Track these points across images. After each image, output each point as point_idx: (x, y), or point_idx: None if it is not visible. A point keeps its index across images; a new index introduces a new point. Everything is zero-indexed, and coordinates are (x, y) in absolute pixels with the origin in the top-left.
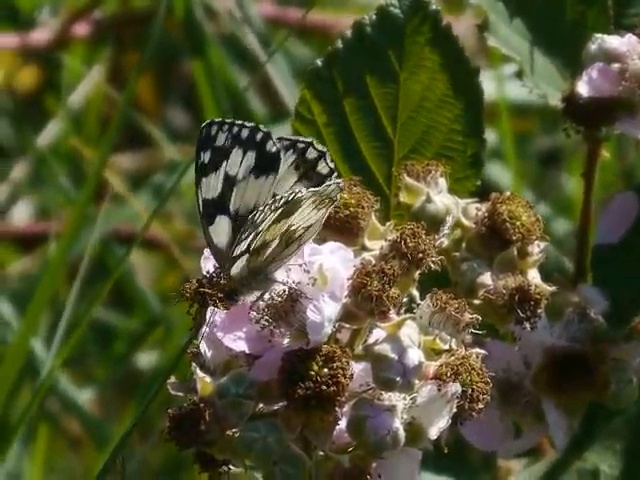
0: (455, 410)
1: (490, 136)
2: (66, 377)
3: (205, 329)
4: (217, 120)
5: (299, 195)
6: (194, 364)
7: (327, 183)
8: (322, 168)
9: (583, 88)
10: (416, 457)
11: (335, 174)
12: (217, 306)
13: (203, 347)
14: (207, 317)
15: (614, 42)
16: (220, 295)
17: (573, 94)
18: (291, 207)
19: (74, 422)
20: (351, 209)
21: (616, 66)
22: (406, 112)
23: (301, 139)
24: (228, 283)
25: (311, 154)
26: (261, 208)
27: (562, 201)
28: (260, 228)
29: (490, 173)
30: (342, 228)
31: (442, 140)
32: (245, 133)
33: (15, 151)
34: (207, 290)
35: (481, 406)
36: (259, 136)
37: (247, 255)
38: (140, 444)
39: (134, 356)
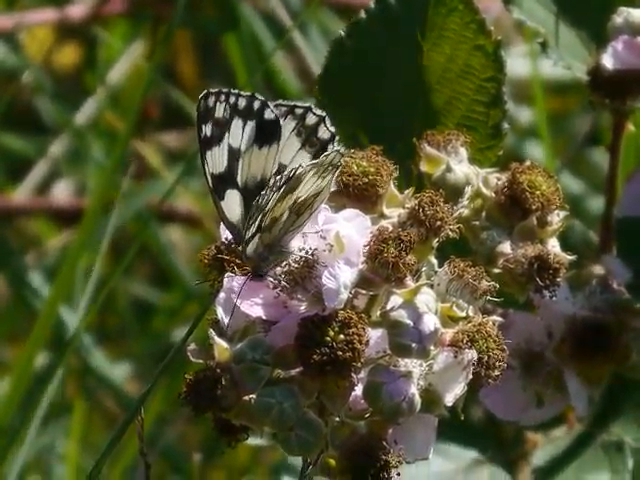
0: (471, 377)
1: (526, 114)
2: (103, 353)
3: (223, 295)
4: (213, 91)
5: (299, 171)
6: (212, 330)
7: (326, 153)
8: (323, 133)
9: (608, 61)
10: (432, 423)
11: (336, 138)
12: (235, 272)
13: (220, 313)
14: (225, 283)
15: None
16: (238, 261)
17: (598, 67)
18: (293, 183)
19: (110, 399)
20: (370, 177)
21: None
22: (429, 83)
23: (299, 104)
24: (247, 262)
25: (311, 119)
26: (262, 192)
27: (599, 179)
28: (266, 209)
29: (525, 151)
30: (361, 196)
31: (464, 111)
32: (242, 103)
33: (54, 128)
34: (225, 256)
35: (497, 373)
36: (257, 105)
37: (259, 234)
38: (178, 420)
39: (172, 332)
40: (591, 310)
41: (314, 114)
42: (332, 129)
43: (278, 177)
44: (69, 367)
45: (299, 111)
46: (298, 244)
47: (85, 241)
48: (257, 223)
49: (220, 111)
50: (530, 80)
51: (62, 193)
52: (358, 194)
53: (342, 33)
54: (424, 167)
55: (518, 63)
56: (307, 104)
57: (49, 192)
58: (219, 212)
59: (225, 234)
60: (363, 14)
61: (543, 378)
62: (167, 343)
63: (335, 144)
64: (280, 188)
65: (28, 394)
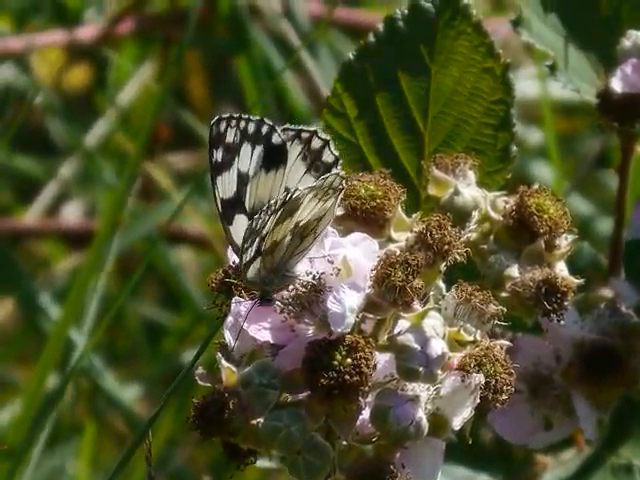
0: (479, 401)
1: (536, 135)
2: (113, 375)
3: (230, 319)
4: (225, 116)
5: (296, 194)
6: (219, 354)
7: (323, 177)
8: (327, 157)
9: (617, 84)
10: (440, 448)
11: (340, 162)
12: (242, 296)
13: (228, 337)
14: (232, 307)
15: None
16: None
17: (607, 90)
18: (291, 206)
19: (120, 420)
20: (377, 201)
21: None
22: (437, 106)
23: (305, 128)
24: (249, 286)
25: (316, 143)
26: (256, 216)
27: (609, 200)
28: (264, 232)
29: (535, 172)
30: (368, 219)
31: (473, 134)
32: (252, 128)
33: (64, 149)
34: (233, 280)
35: (505, 397)
36: (265, 129)
37: (260, 257)
38: (188, 443)
39: (182, 353)
40: (599, 333)
41: (319, 138)
42: (336, 153)
43: (273, 201)
44: (79, 389)
45: (305, 135)
46: (305, 268)
47: (95, 263)
48: (255, 247)
49: (231, 136)
50: (539, 101)
51: (72, 215)
52: (366, 218)
53: (351, 56)
54: (432, 190)
55: (527, 84)
56: (313, 128)
57: (59, 214)
58: (227, 237)
59: (232, 258)
60: (372, 37)
61: (551, 401)
62: (177, 365)
63: (338, 168)
64: (276, 212)
65: (39, 416)
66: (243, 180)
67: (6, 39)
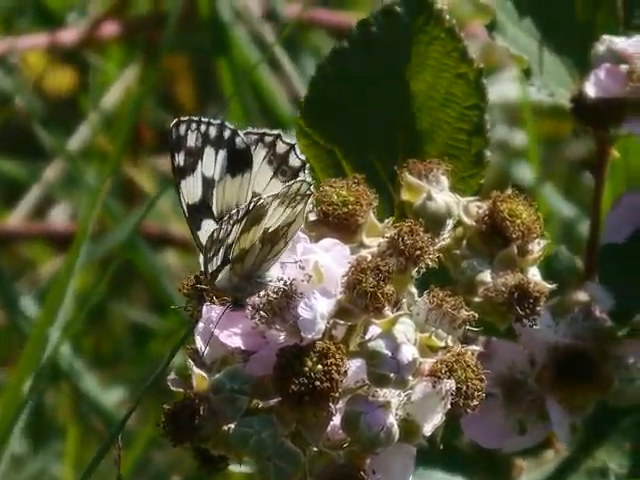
0: (450, 407)
1: (519, 138)
2: (99, 378)
3: (201, 325)
4: (184, 119)
5: (259, 203)
6: (190, 360)
7: (288, 184)
8: (293, 161)
9: (591, 89)
10: (410, 453)
11: (307, 166)
12: (213, 302)
13: (199, 343)
14: (203, 313)
15: (622, 43)
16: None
17: (581, 94)
18: (255, 215)
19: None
20: (349, 206)
21: (624, 67)
22: (410, 111)
23: (268, 132)
24: (219, 293)
25: (280, 148)
26: (216, 227)
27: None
28: (229, 241)
29: (519, 175)
30: (340, 225)
31: (446, 138)
32: (213, 131)
33: (49, 152)
34: (204, 286)
35: (476, 403)
36: (227, 133)
37: (229, 265)
38: (169, 445)
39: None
40: (573, 338)
41: (283, 142)
42: (302, 157)
43: (234, 211)
44: (62, 391)
45: (268, 139)
46: (277, 274)
47: (74, 265)
48: (221, 256)
49: (192, 140)
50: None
51: (58, 217)
52: (338, 223)
53: (324, 59)
54: (405, 196)
55: (511, 87)
56: (276, 132)
57: (43, 217)
58: (196, 242)
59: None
60: (345, 41)
61: (526, 406)
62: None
63: (306, 172)
64: (239, 221)
65: (15, 415)
66: (209, 184)
67: None
